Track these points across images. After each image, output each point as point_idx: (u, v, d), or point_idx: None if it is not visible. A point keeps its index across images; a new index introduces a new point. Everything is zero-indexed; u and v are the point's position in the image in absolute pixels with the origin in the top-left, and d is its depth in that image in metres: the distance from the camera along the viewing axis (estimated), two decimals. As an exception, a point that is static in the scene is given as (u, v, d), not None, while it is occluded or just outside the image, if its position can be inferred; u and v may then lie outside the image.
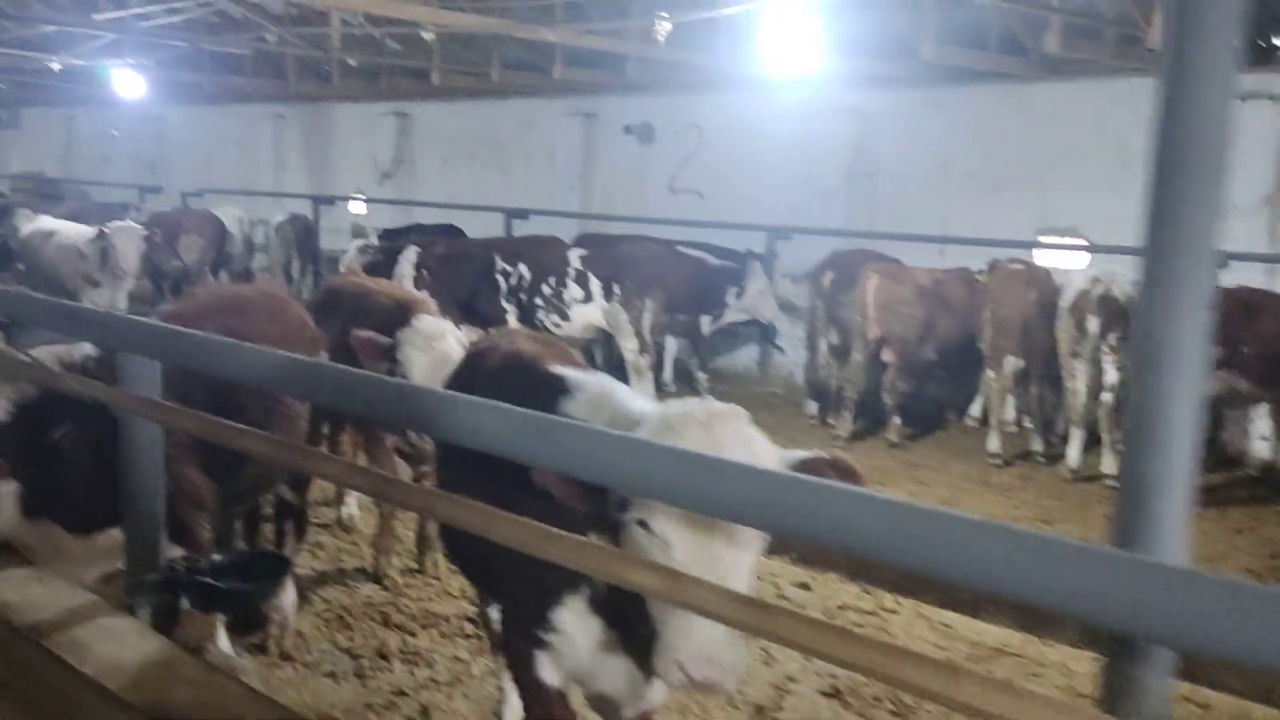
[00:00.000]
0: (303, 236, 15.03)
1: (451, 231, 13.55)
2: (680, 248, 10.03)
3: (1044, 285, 8.41)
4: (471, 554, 3.32)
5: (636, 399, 2.95)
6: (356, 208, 18.94)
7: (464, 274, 9.03)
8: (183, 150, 23.09)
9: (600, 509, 2.40)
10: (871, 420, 9.38)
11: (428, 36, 11.69)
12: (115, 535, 3.37)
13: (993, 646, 5.29)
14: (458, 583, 5.59)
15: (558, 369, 3.21)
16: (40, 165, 26.13)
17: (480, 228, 15.34)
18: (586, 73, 13.85)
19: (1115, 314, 7.64)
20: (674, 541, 2.29)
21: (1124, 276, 7.66)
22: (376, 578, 5.67)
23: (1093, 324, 7.78)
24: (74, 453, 3.44)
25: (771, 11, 9.53)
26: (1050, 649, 5.21)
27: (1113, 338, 7.68)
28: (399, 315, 5.24)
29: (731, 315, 9.79)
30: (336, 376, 2.83)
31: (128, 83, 13.56)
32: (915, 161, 12.22)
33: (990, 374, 8.41)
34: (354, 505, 6.51)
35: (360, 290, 5.90)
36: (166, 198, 19.03)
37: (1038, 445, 8.50)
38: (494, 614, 3.85)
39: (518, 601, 3.03)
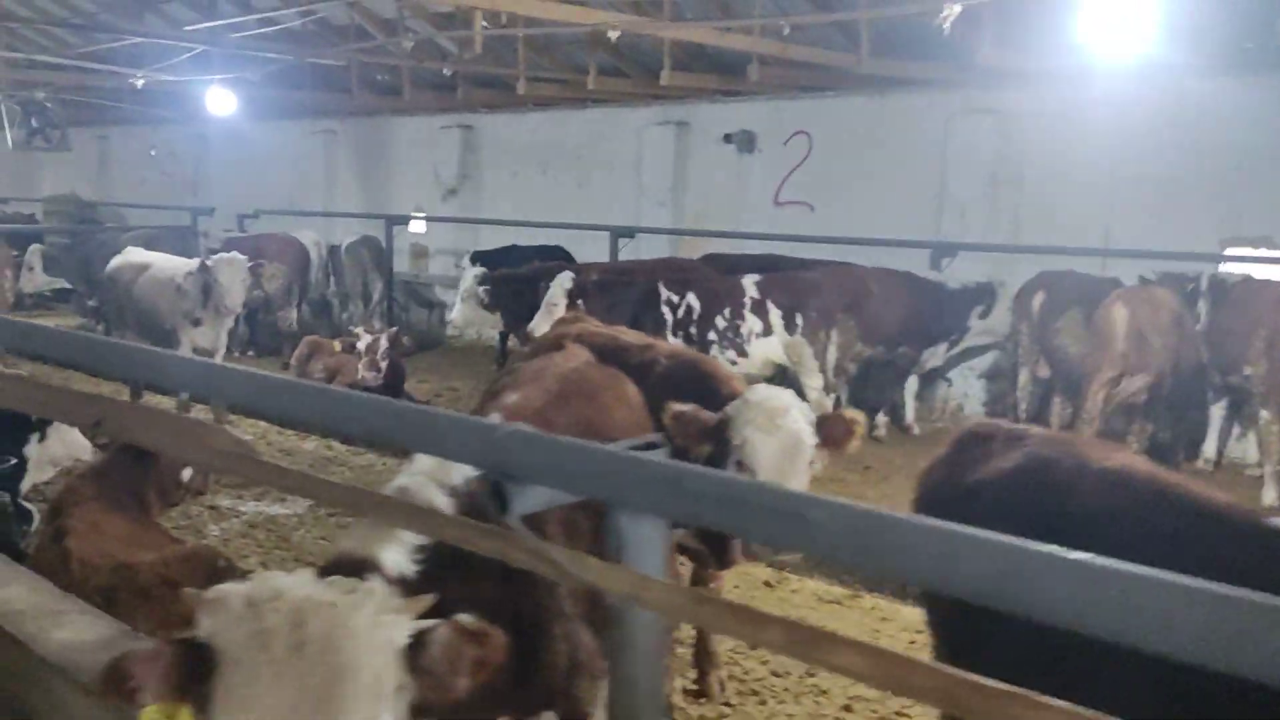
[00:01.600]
0: (376, 259, 14.08)
1: (558, 253, 12.55)
2: (887, 271, 9.05)
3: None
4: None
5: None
6: (416, 226, 18.00)
7: (623, 304, 8.06)
8: (225, 169, 22.12)
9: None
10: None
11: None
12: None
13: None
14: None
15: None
16: (73, 187, 25.21)
17: (565, 246, 14.44)
18: (697, 78, 12.88)
19: None
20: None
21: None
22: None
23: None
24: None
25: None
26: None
27: None
28: (702, 381, 4.21)
29: (972, 339, 8.79)
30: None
31: (220, 100, 12.58)
32: (1070, 166, 11.24)
33: (1266, 415, 7.37)
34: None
35: (618, 344, 4.87)
36: (218, 219, 18.04)
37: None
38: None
39: None
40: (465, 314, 10.06)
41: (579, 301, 7.98)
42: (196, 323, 9.58)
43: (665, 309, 7.95)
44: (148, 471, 5.49)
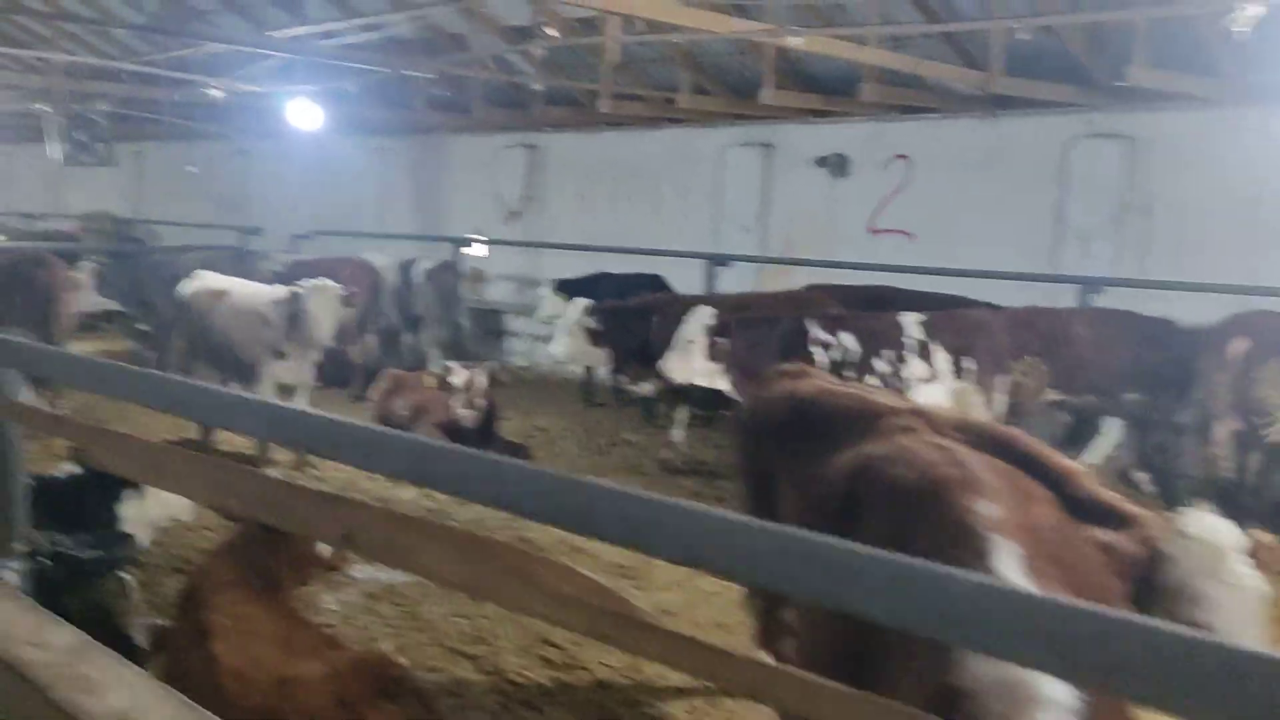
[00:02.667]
0: (457, 285, 13.32)
1: (656, 283, 11.75)
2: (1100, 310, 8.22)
3: None
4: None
5: None
6: (476, 250, 17.23)
7: (766, 343, 7.26)
8: (270, 187, 21.44)
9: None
10: None
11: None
12: None
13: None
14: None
15: None
16: (105, 203, 24.55)
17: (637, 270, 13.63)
18: (797, 97, 12.11)
19: None
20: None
21: None
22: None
23: None
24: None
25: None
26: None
27: None
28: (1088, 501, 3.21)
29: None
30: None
31: (304, 113, 11.82)
32: (1209, 195, 10.44)
33: None
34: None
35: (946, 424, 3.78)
36: (267, 240, 17.32)
37: None
38: None
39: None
40: (570, 348, 9.27)
41: (718, 339, 7.17)
42: (281, 356, 8.80)
43: (816, 349, 7.14)
44: (284, 545, 4.71)
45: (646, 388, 9.25)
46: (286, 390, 9.00)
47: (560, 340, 9.40)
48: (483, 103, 14.53)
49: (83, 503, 5.50)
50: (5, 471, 3.83)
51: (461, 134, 17.67)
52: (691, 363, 7.19)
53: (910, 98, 11.46)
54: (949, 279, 10.73)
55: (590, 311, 9.17)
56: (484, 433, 9.42)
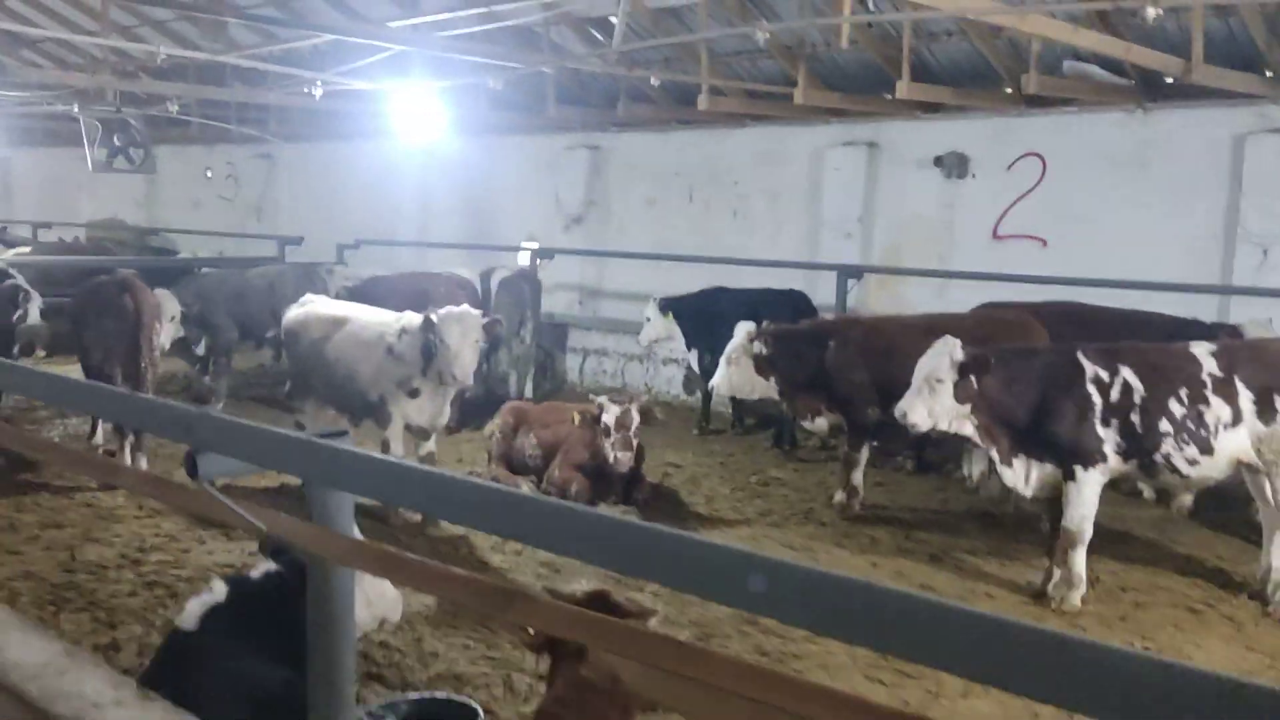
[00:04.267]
0: (535, 296, 12.18)
1: (797, 300, 10.62)
2: None
3: None
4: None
5: None
6: (526, 258, 16.06)
7: (1027, 381, 6.19)
8: (296, 193, 20.18)
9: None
10: None
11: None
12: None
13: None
14: None
15: None
16: (115, 211, 23.20)
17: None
18: (931, 90, 11.05)
19: None
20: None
21: None
22: None
23: None
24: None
25: None
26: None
27: None
28: None
29: None
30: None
31: (425, 112, 10.50)
32: None
33: None
34: None
35: None
36: (310, 250, 16.07)
37: None
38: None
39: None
40: (735, 379, 8.14)
41: (969, 377, 6.07)
42: (414, 394, 7.62)
43: (1092, 389, 6.06)
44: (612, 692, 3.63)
45: (821, 424, 8.14)
46: (419, 433, 7.83)
47: (722, 371, 8.26)
48: (554, 101, 13.35)
49: (285, 610, 4.34)
50: (333, 634, 2.67)
51: (516, 135, 16.50)
52: (938, 405, 6.09)
53: (1066, 89, 10.40)
54: (1093, 290, 9.81)
55: (758, 336, 8.05)
56: (634, 475, 8.31)
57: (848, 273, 10.63)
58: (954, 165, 12.27)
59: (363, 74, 9.38)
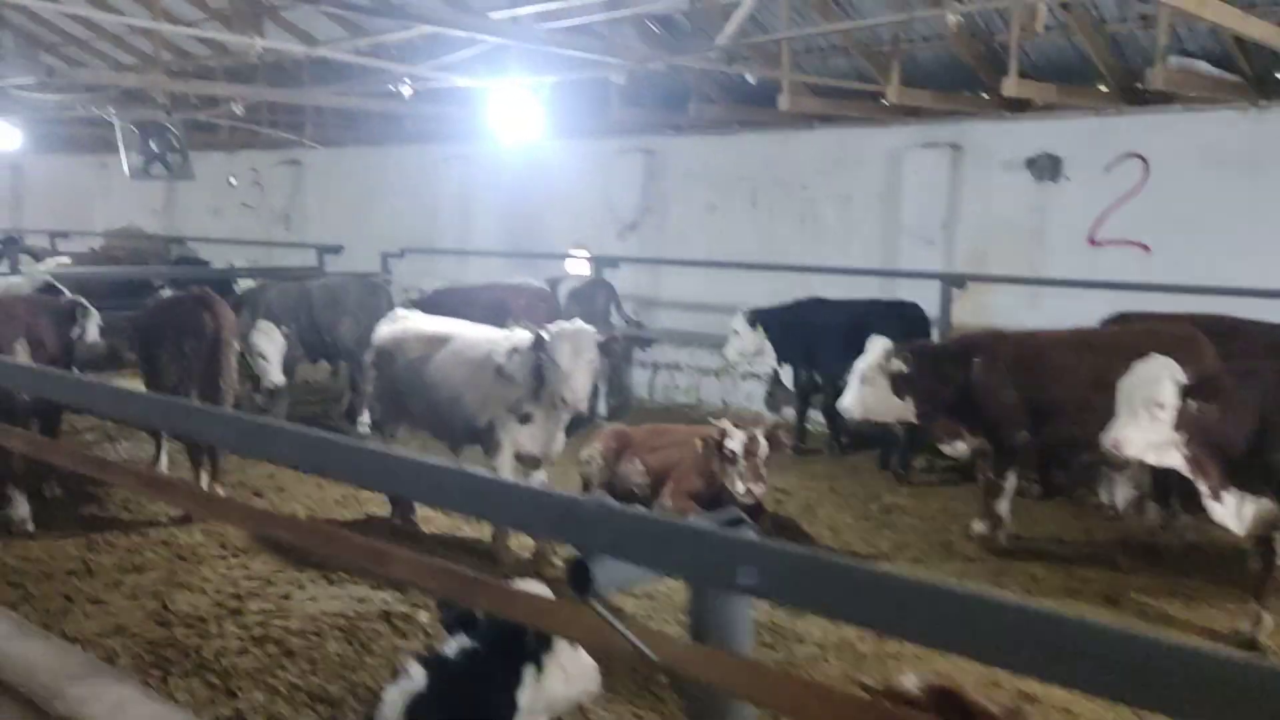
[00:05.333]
0: (608, 307, 11.53)
1: (908, 311, 9.96)
2: None
3: None
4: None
5: None
6: (579, 268, 15.39)
7: (1252, 406, 5.53)
8: (326, 200, 19.49)
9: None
10: None
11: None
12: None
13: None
14: None
15: None
16: (131, 219, 22.49)
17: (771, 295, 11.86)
18: (1038, 88, 10.41)
19: None
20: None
21: None
22: None
23: None
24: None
25: None
26: None
27: None
28: None
29: None
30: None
31: (520, 113, 9.75)
32: None
33: None
34: None
35: None
36: (347, 259, 15.37)
37: None
38: None
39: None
40: (869, 400, 7.45)
41: (1189, 401, 5.41)
42: (525, 419, 6.93)
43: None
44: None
45: (961, 448, 7.48)
46: (529, 462, 7.15)
47: (855, 390, 7.58)
48: (618, 102, 12.70)
49: (493, 695, 3.69)
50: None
51: (562, 138, 15.82)
52: (1155, 434, 5.42)
53: (1193, 84, 9.77)
54: (1201, 298, 9.20)
55: (897, 353, 7.37)
56: (754, 508, 7.62)
57: (951, 281, 9.94)
58: (1046, 167, 11.63)
59: (457, 69, 8.69)
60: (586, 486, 8.23)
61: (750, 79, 9.67)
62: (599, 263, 13.15)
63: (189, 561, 6.84)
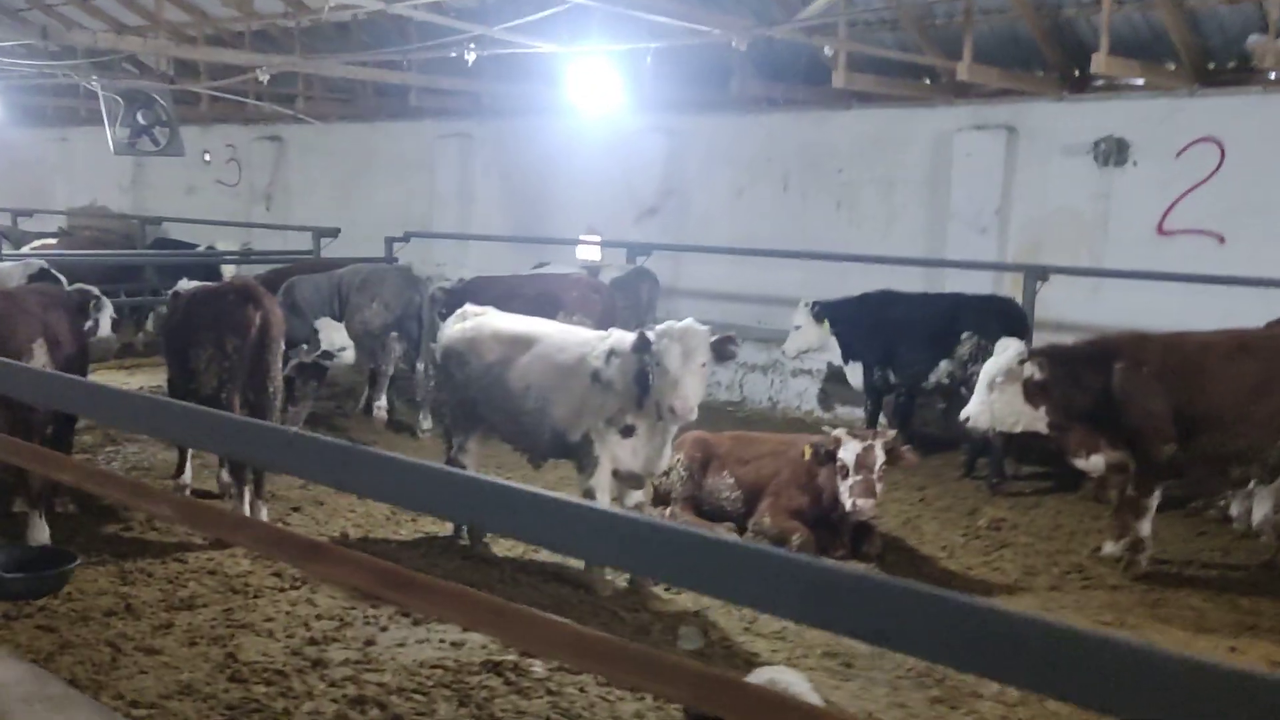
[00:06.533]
0: (652, 296, 10.72)
1: (1003, 311, 9.18)
2: None
3: None
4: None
5: None
6: (590, 253, 14.54)
7: None
8: (311, 179, 18.39)
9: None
10: None
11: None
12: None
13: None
14: None
15: None
16: (95, 197, 21.20)
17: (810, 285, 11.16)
18: (1122, 64, 9.72)
19: None
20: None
21: None
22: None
23: None
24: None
25: None
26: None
27: None
28: None
29: None
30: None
31: (592, 81, 8.73)
32: None
33: None
34: None
35: None
36: (343, 244, 14.37)
37: None
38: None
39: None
40: (999, 408, 6.69)
41: None
42: (627, 432, 6.10)
43: None
44: None
45: (1097, 461, 6.77)
46: (630, 481, 6.33)
47: (980, 398, 6.83)
48: (652, 78, 11.81)
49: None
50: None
51: (559, 117, 14.93)
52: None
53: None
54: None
55: (1031, 358, 6.63)
56: (863, 527, 6.91)
57: (1035, 273, 9.24)
58: (1111, 151, 10.97)
59: (531, 32, 7.78)
60: (666, 501, 7.46)
61: (828, 51, 8.84)
62: (631, 250, 12.28)
63: (242, 594, 5.95)
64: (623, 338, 6.14)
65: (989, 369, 6.78)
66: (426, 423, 9.74)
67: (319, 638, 5.41)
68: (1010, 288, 11.30)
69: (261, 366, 6.61)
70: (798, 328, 9.65)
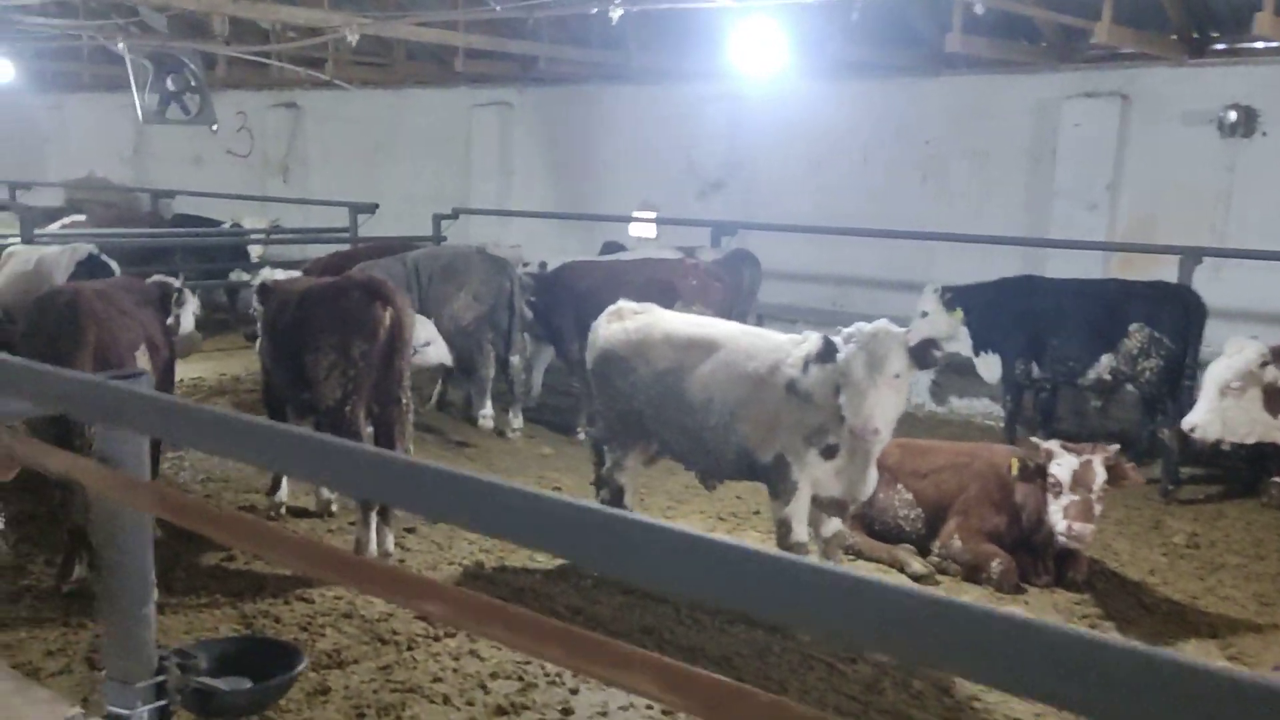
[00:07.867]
0: (755, 282, 9.87)
1: (1180, 301, 8.28)
2: None
3: None
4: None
5: None
6: (643, 230, 13.65)
7: None
8: (330, 149, 17.32)
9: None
10: None
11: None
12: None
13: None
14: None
15: None
16: (91, 168, 20.02)
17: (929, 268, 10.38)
18: None
19: None
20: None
21: None
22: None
23: None
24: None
25: None
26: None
27: None
28: None
29: None
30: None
31: (761, 42, 7.74)
32: None
33: None
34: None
35: None
36: (384, 222, 13.39)
37: None
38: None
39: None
40: (1233, 416, 5.88)
41: None
42: (829, 452, 5.23)
43: None
44: None
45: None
46: (830, 508, 5.47)
47: (1212, 403, 6.02)
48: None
49: None
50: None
51: (617, 84, 13.99)
52: None
53: None
54: None
55: (1276, 360, 5.82)
56: (1068, 551, 6.09)
57: (1193, 256, 8.42)
58: (1238, 121, 10.16)
59: None
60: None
61: (979, 9, 7.95)
62: (716, 230, 11.38)
63: (393, 646, 5.06)
64: (815, 342, 5.26)
65: (1219, 372, 5.97)
66: (517, 421, 8.86)
67: (505, 705, 4.54)
68: (1117, 269, 10.56)
69: (392, 374, 5.68)
70: (925, 315, 8.79)
